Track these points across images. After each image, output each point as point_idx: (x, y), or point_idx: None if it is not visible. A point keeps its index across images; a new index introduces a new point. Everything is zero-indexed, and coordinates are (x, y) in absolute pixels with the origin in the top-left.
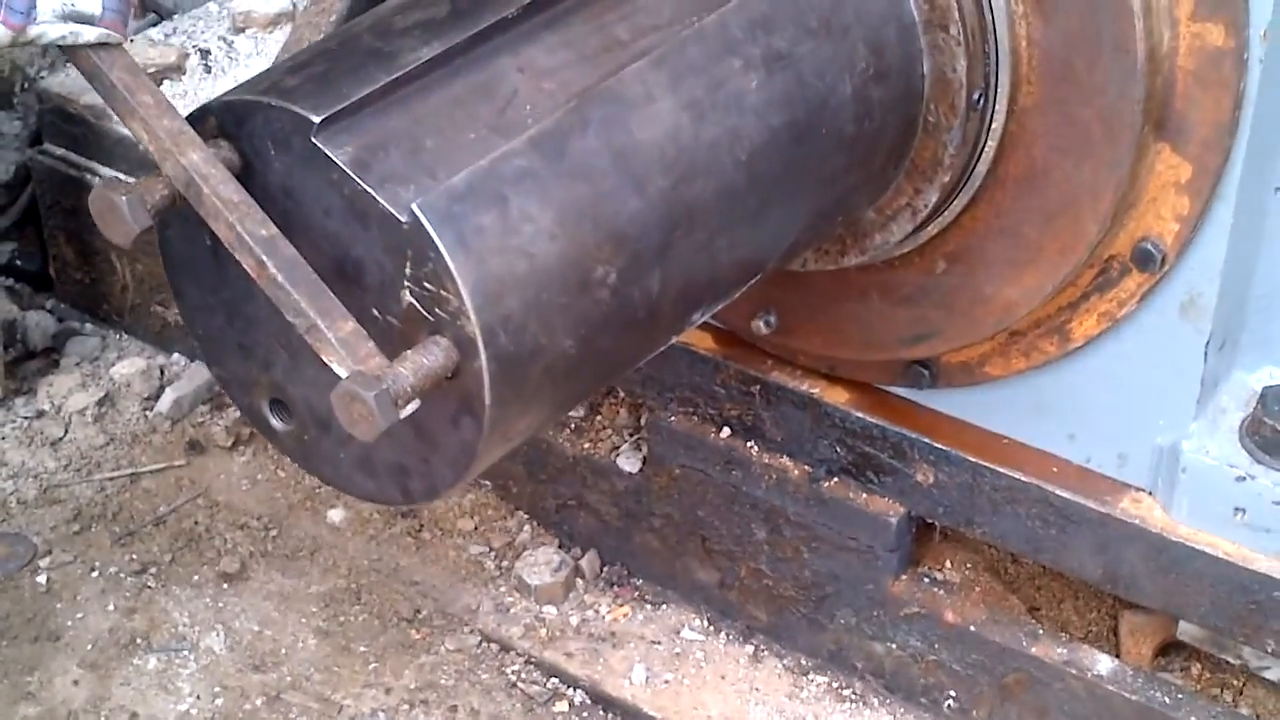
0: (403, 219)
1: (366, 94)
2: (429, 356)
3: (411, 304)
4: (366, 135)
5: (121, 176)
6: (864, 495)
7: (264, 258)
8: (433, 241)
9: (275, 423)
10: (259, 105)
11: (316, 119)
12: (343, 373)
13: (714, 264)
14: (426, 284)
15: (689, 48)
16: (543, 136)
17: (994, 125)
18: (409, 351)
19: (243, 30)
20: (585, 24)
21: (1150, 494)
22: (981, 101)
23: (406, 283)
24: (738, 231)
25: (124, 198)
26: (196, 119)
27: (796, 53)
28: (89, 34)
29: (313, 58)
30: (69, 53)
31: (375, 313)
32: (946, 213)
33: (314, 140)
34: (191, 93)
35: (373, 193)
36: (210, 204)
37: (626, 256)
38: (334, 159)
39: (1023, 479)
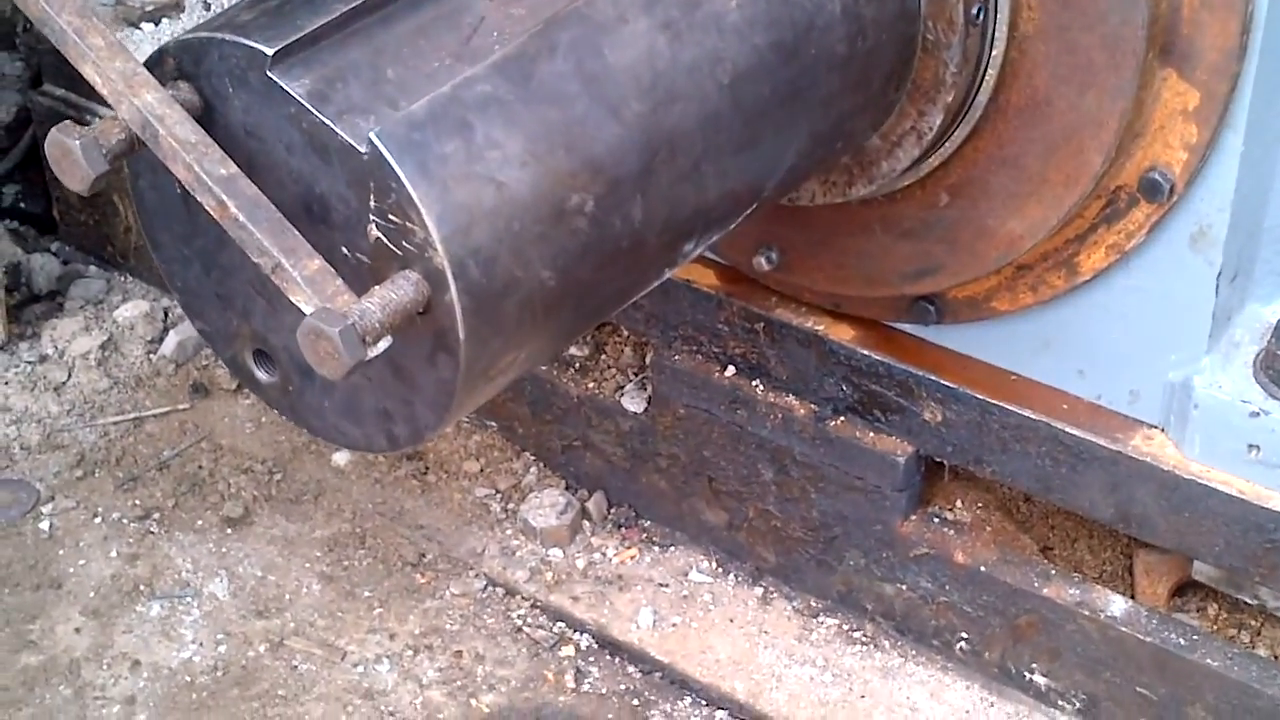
0: (362, 149)
1: (323, 24)
2: (397, 291)
3: (379, 239)
4: (324, 67)
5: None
6: (871, 434)
7: (224, 197)
8: (393, 171)
9: (260, 374)
10: (213, 41)
11: (270, 51)
12: (309, 310)
13: (701, 192)
14: (391, 216)
15: None
16: (507, 61)
17: (994, 52)
18: (376, 286)
19: None
20: None
21: (1162, 431)
22: (981, 15)
23: (372, 216)
24: (726, 158)
25: (77, 141)
26: (154, 61)
27: None
28: None
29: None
30: None
31: (345, 251)
32: (948, 143)
33: (270, 74)
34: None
35: (331, 124)
36: (167, 145)
37: (603, 184)
38: (291, 92)
39: (1032, 417)
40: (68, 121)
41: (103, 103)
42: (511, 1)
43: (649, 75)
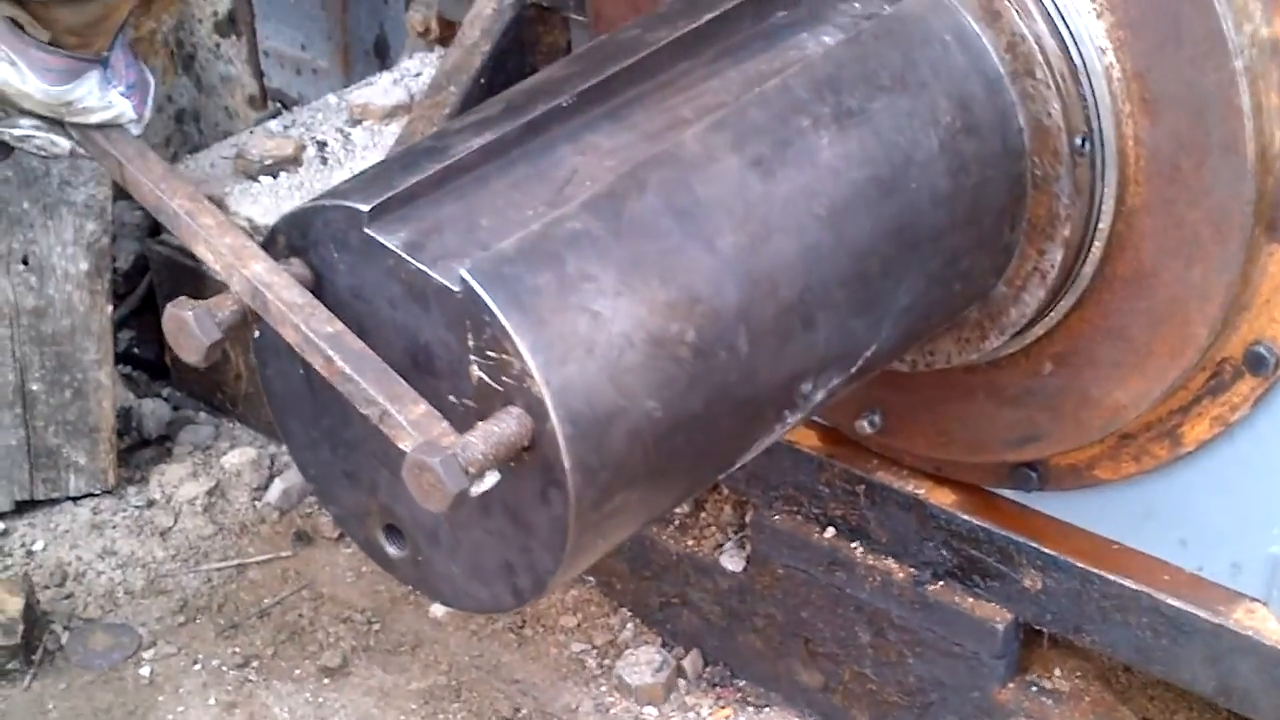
0: (455, 289)
1: (417, 182)
2: (500, 424)
3: (480, 378)
4: (419, 221)
5: None
6: (970, 600)
7: (331, 353)
8: (486, 304)
9: (391, 550)
10: (316, 209)
11: (367, 208)
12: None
13: (810, 327)
14: (489, 353)
15: (750, 110)
16: (597, 199)
17: (1101, 225)
18: (480, 422)
19: (360, 122)
20: (646, 109)
21: (1265, 605)
22: (1086, 145)
23: (472, 356)
24: (834, 291)
25: (191, 314)
26: (268, 241)
27: (870, 109)
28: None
29: (373, 166)
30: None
31: (452, 400)
32: (1054, 312)
33: (367, 230)
34: (308, 184)
35: (426, 269)
36: (276, 309)
37: (703, 314)
38: (387, 245)
39: (1132, 586)
40: (183, 297)
41: None
42: (605, 154)
43: (741, 208)
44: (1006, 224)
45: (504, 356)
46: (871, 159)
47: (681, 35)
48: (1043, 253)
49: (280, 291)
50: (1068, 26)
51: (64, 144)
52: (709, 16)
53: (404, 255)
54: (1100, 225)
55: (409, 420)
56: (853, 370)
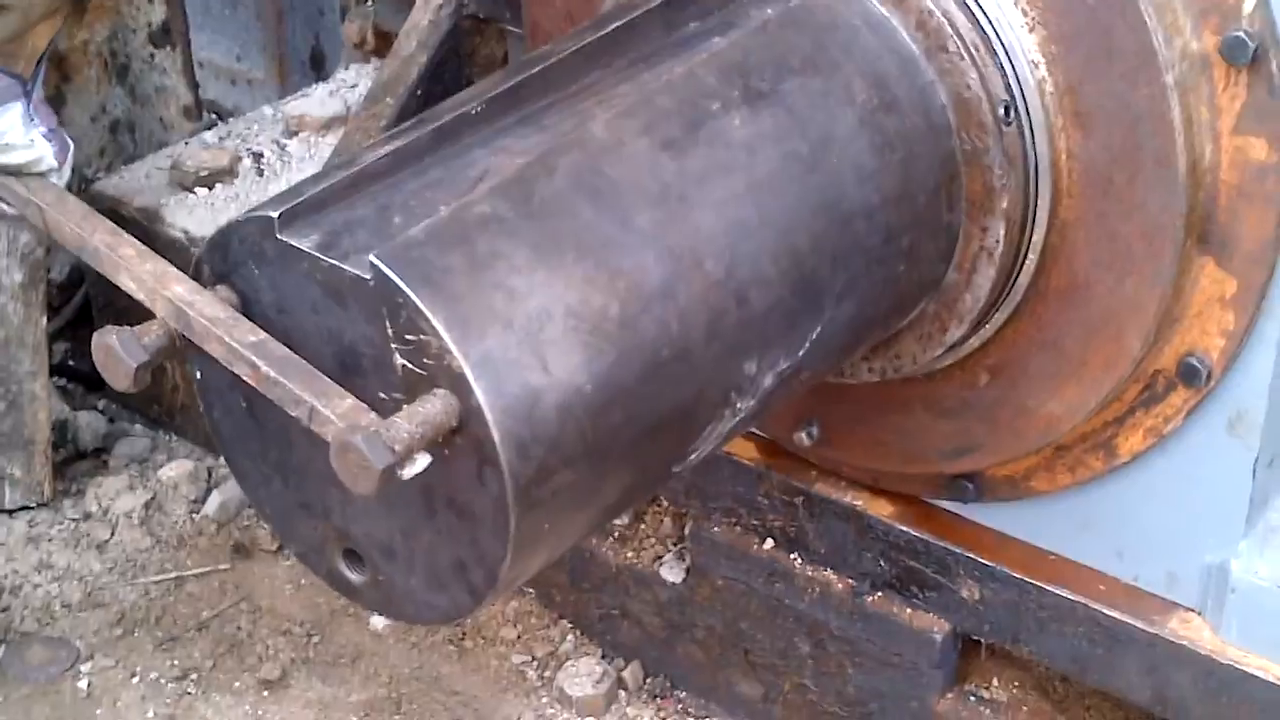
0: (367, 276)
1: (326, 188)
2: (425, 404)
3: (403, 365)
4: (331, 224)
5: None
6: (908, 610)
7: (255, 359)
8: (396, 286)
9: (353, 576)
10: (230, 226)
11: (276, 214)
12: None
13: (744, 303)
14: (408, 336)
15: (657, 98)
16: (504, 184)
17: (1034, 238)
18: (405, 406)
19: (296, 134)
20: (557, 112)
21: (1200, 614)
22: (1011, 114)
23: (393, 345)
24: (765, 266)
25: (117, 339)
26: (194, 272)
27: (781, 89)
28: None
29: (286, 188)
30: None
31: (383, 396)
32: (988, 325)
33: (279, 236)
34: (244, 195)
35: (337, 263)
36: (199, 326)
37: (625, 288)
38: (299, 247)
39: (1069, 597)
40: (109, 325)
41: None
42: (517, 154)
43: (655, 186)
44: (943, 202)
45: (421, 337)
46: (786, 136)
47: (591, 44)
48: (985, 229)
49: (202, 309)
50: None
51: None
52: (617, 25)
53: (316, 254)
54: (1034, 238)
55: (336, 414)
56: (800, 353)
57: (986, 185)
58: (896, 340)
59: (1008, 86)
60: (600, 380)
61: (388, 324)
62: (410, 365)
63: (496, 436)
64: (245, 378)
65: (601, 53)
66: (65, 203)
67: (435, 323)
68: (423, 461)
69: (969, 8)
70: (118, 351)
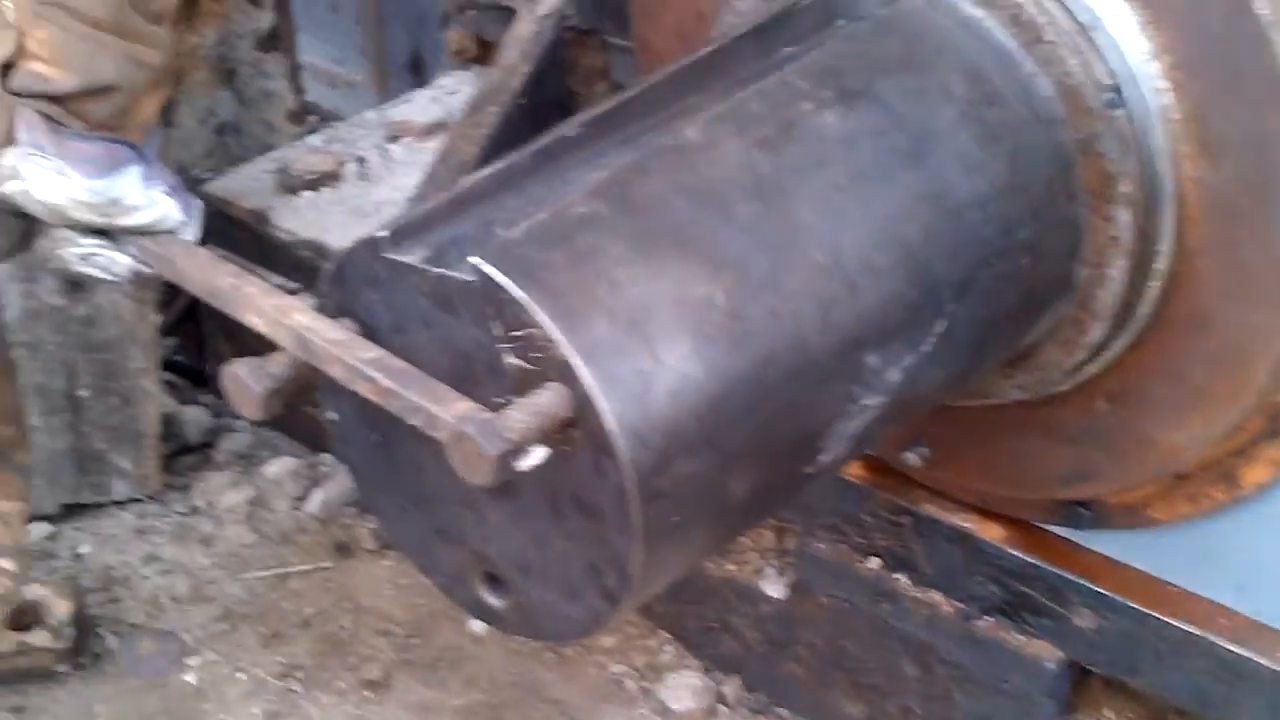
0: (471, 278)
1: (431, 209)
2: (537, 396)
3: (514, 364)
4: (436, 240)
5: (283, 281)
6: (1020, 637)
7: (373, 374)
8: (499, 284)
9: (495, 601)
10: (344, 255)
11: (386, 234)
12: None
13: (855, 291)
14: (514, 333)
15: (750, 103)
16: (600, 186)
17: (1159, 266)
18: (517, 399)
19: (398, 139)
20: (654, 131)
21: None
22: (1116, 100)
23: (502, 345)
24: (873, 258)
25: (243, 369)
26: (319, 310)
27: (875, 88)
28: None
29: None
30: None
31: (499, 401)
32: (1109, 351)
33: (387, 255)
34: (348, 198)
35: (444, 272)
36: (320, 350)
37: (730, 278)
38: (406, 262)
39: (1189, 630)
40: (238, 357)
41: (263, 265)
42: (613, 165)
43: (751, 181)
44: (1060, 193)
45: (527, 331)
46: (884, 130)
47: (684, 70)
48: (1109, 218)
49: (322, 333)
50: None
51: (123, 260)
52: (711, 51)
53: (423, 267)
54: (1158, 265)
55: (454, 416)
56: (926, 348)
57: (1103, 173)
58: (1037, 351)
59: (1110, 72)
60: (712, 367)
61: (495, 324)
62: (520, 363)
63: (609, 422)
64: (365, 393)
65: (695, 78)
66: (194, 254)
67: (538, 314)
68: (539, 453)
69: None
70: (245, 381)
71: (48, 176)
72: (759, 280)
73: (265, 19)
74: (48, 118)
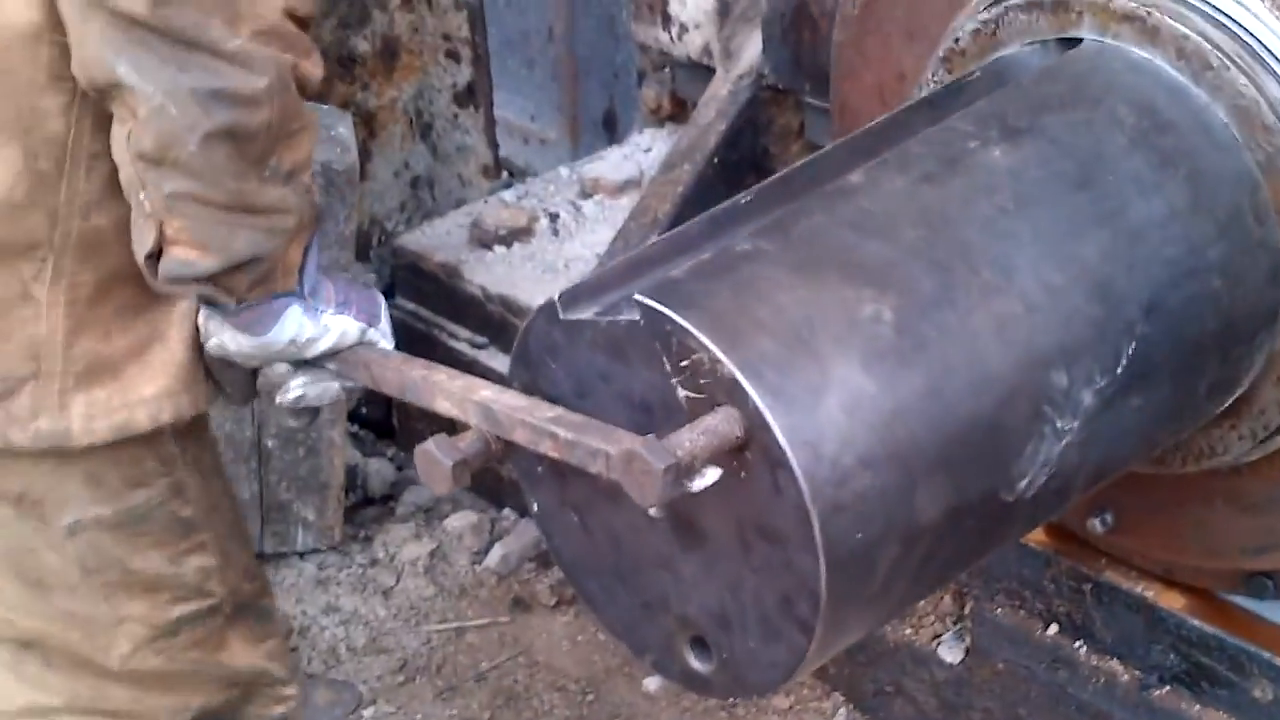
0: (635, 316)
1: (604, 273)
2: (707, 418)
3: (686, 396)
4: (607, 299)
5: (470, 335)
6: (1197, 707)
7: (555, 429)
8: (663, 315)
9: (702, 666)
10: (525, 328)
11: (558, 298)
12: None
13: (1033, 310)
14: (682, 363)
15: (913, 148)
16: (762, 228)
17: None
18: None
19: (591, 195)
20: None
21: None
22: None
23: (673, 380)
24: (1048, 275)
25: (434, 445)
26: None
27: (1040, 123)
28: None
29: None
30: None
31: None
32: None
33: (562, 316)
34: (540, 254)
35: (612, 318)
36: (504, 417)
37: (896, 295)
38: (580, 318)
39: None
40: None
41: (451, 319)
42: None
43: (914, 210)
44: (1250, 217)
45: (694, 358)
46: (1050, 159)
47: (859, 138)
48: None
49: (506, 401)
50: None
51: (333, 385)
52: (884, 119)
53: (593, 319)
54: None
55: (625, 443)
56: (1118, 369)
57: None
58: (1256, 394)
59: None
60: (884, 382)
61: (664, 360)
62: (691, 394)
63: (780, 434)
64: (549, 450)
65: (868, 145)
66: (385, 358)
67: (700, 336)
68: (712, 474)
69: (1220, 22)
70: (435, 455)
71: (231, 333)
72: (927, 298)
73: (463, 74)
74: (206, 301)
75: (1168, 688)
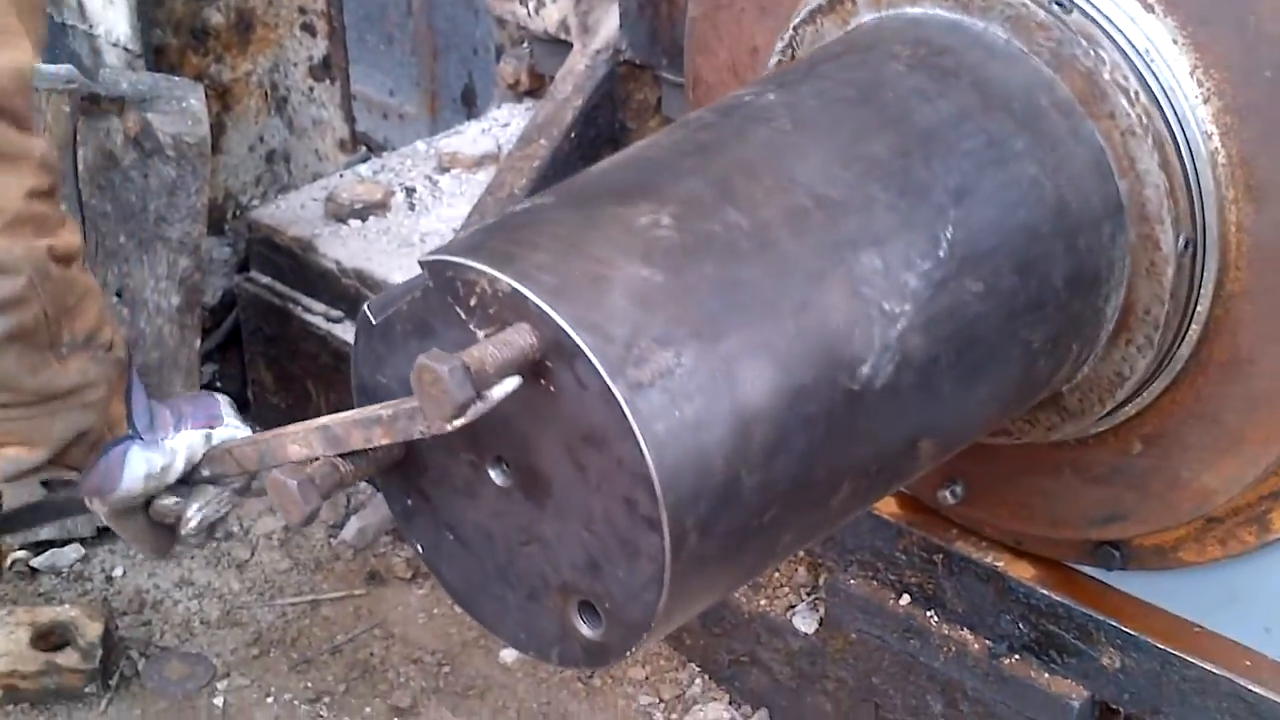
0: (426, 280)
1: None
2: (501, 334)
3: (485, 334)
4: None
5: (325, 309)
6: (1046, 675)
7: (380, 414)
8: (442, 263)
9: (594, 632)
10: (353, 361)
11: (367, 308)
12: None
13: (835, 209)
14: (471, 302)
15: (705, 114)
16: (559, 187)
17: (1199, 309)
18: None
19: (448, 170)
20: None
21: None
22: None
23: (471, 325)
24: (826, 170)
25: (285, 476)
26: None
27: (820, 69)
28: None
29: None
30: None
31: None
32: (1146, 393)
33: (374, 321)
34: (396, 228)
35: (410, 297)
36: (341, 430)
37: (675, 206)
38: (373, 314)
39: (1214, 671)
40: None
41: (306, 293)
42: None
43: (689, 147)
44: (1055, 113)
45: (477, 290)
46: (827, 90)
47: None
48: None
49: (340, 418)
50: None
51: (221, 493)
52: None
53: (398, 306)
54: (1198, 309)
55: (419, 367)
56: (940, 252)
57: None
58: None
59: None
60: (672, 271)
61: (458, 310)
62: (489, 331)
63: (563, 322)
64: (382, 440)
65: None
66: (241, 442)
67: (476, 265)
68: (511, 382)
69: (1142, 77)
70: (285, 484)
71: (95, 502)
72: (708, 203)
73: (319, 47)
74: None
75: (1017, 656)
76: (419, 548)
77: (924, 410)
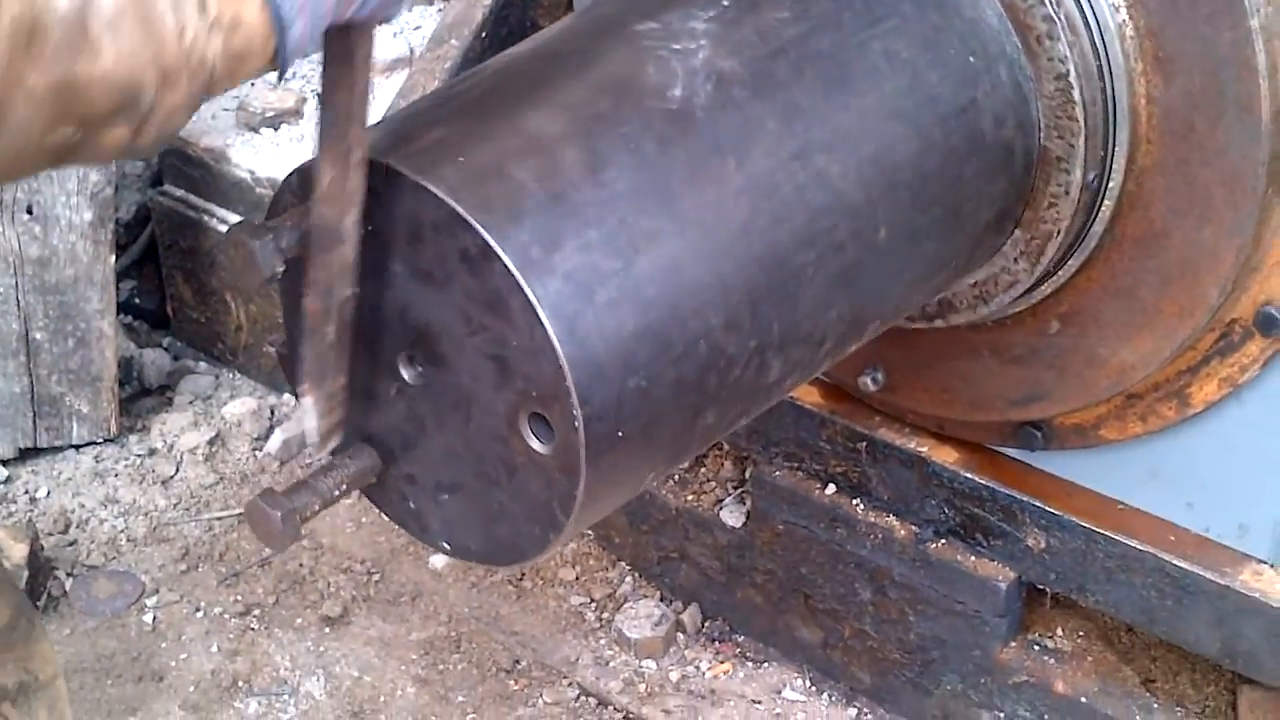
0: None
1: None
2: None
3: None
4: None
5: (236, 218)
6: (972, 558)
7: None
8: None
9: (542, 446)
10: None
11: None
12: None
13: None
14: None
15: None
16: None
17: (1111, 184)
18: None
19: None
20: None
21: (1272, 566)
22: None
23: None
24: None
25: (264, 502)
26: None
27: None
28: None
29: None
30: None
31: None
32: (1062, 271)
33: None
34: (309, 136)
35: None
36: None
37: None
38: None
39: (1138, 547)
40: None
41: (220, 204)
42: None
43: (576, 49)
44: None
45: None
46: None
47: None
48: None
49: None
50: None
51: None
52: None
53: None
54: (1110, 184)
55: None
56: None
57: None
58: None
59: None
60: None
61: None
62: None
63: (464, 209)
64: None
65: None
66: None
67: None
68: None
69: None
70: (264, 510)
71: None
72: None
73: None
74: None
75: (943, 541)
76: (446, 545)
77: (788, 126)
